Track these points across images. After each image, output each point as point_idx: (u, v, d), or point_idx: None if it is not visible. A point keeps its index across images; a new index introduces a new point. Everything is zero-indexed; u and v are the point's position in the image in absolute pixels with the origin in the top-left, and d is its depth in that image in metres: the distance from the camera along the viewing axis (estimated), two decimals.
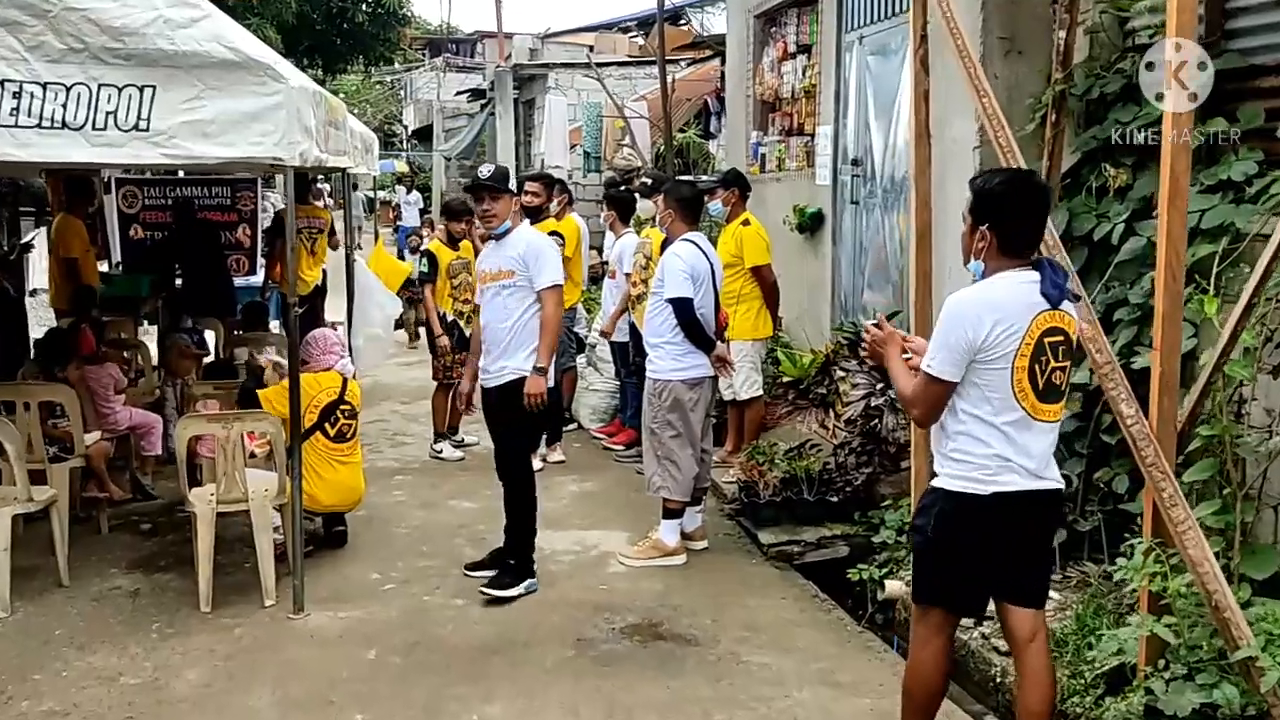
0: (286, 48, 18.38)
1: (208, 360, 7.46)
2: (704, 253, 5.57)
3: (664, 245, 6.91)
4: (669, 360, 5.51)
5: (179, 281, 9.81)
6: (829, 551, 5.78)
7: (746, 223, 6.70)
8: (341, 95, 36.43)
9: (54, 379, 5.80)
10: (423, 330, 9.38)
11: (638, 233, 7.71)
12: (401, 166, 32.08)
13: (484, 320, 5.16)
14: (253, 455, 5.45)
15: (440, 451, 7.64)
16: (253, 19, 17.05)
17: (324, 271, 9.76)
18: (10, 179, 9.22)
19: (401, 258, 20.58)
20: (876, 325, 3.44)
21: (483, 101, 23.59)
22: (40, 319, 9.61)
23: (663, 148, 11.07)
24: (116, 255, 11.11)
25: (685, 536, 5.70)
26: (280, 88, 4.43)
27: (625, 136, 11.37)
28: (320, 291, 9.59)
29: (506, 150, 13.20)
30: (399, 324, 9.04)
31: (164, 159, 4.38)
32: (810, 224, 7.81)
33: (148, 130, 4.32)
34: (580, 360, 8.74)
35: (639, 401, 7.72)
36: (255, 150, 4.43)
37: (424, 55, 41.46)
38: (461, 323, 7.48)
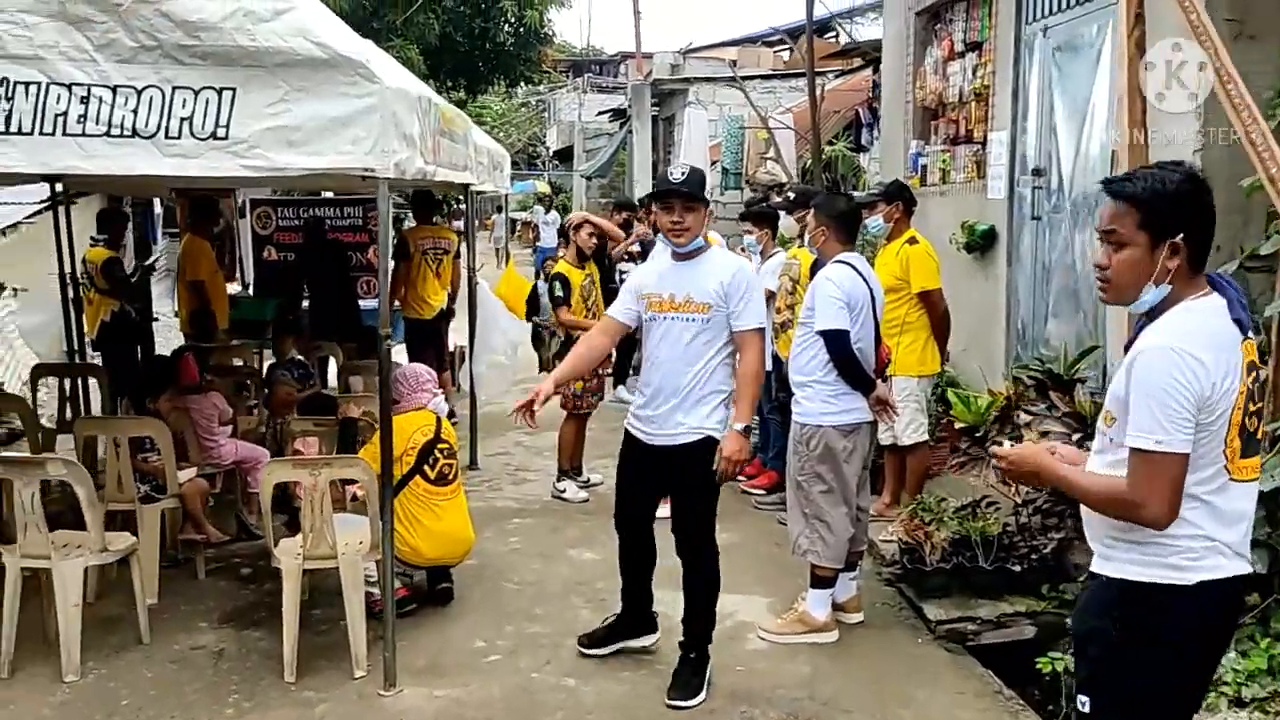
0: (430, 69, 18.33)
1: (311, 391, 7.00)
2: (862, 277, 4.75)
3: (814, 267, 6.15)
4: (819, 402, 4.70)
5: (306, 304, 9.55)
6: (1011, 633, 4.85)
7: (914, 241, 5.83)
8: (487, 117, 36.81)
9: (145, 411, 5.40)
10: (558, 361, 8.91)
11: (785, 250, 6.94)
12: (543, 187, 32.05)
13: (653, 356, 4.22)
14: (354, 499, 4.93)
15: (563, 491, 7.00)
16: (396, 40, 17.03)
17: (449, 295, 9.31)
18: (144, 199, 9.12)
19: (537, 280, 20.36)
20: (1000, 447, 2.67)
21: (622, 121, 23.22)
22: (168, 343, 9.44)
23: (809, 162, 10.25)
24: (250, 277, 11.01)
25: (837, 607, 4.87)
26: (374, 89, 3.86)
27: (769, 150, 10.60)
28: (446, 315, 9.13)
29: (644, 168, 12.64)
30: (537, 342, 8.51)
31: (244, 171, 3.85)
32: (981, 243, 6.87)
33: (226, 139, 3.80)
34: None
35: (783, 441, 6.94)
36: (345, 160, 3.87)
37: (567, 76, 41.62)
38: None
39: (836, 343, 4.61)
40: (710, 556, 4.31)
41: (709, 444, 4.07)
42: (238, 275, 10.93)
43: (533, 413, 4.24)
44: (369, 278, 11.38)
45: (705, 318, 4.11)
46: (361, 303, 10.46)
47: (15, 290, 10.04)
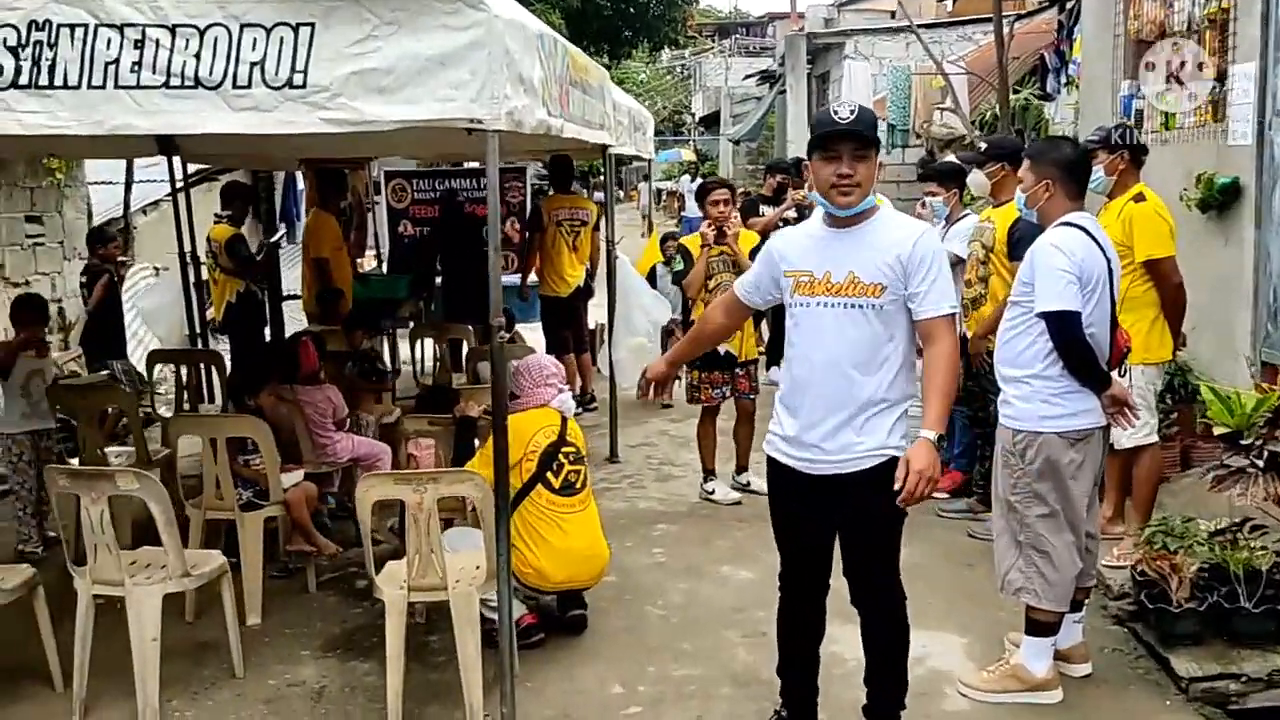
0: (572, 35, 17.72)
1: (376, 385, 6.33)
2: (1098, 243, 3.73)
3: (1013, 231, 5.13)
4: (1038, 403, 3.70)
5: (440, 281, 9.00)
6: None
7: (1140, 198, 4.72)
8: (630, 85, 36.12)
9: (244, 408, 4.83)
10: None
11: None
12: (688, 155, 31.18)
13: (804, 356, 3.19)
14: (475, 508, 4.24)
15: (711, 493, 6.18)
16: (538, 4, 16.44)
17: (587, 271, 8.59)
18: (266, 172, 8.72)
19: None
20: None
21: (771, 82, 22.10)
22: (297, 326, 9.04)
23: (989, 112, 9.06)
24: (384, 253, 10.56)
25: (1059, 656, 3.90)
26: (480, 18, 3.10)
27: (945, 99, 9.38)
28: (584, 292, 8.41)
29: (798, 127, 11.58)
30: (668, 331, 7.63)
31: (325, 125, 3.14)
32: (1220, 199, 5.67)
33: (304, 86, 3.11)
34: None
35: (971, 436, 5.95)
36: (446, 109, 3.14)
37: (712, 40, 40.53)
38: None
39: (1064, 327, 3.61)
40: (898, 601, 3.38)
41: (894, 467, 3.04)
42: (374, 252, 10.48)
43: (659, 388, 3.64)
44: (508, 253, 10.80)
45: (877, 303, 3.10)
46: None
47: (156, 269, 9.86)
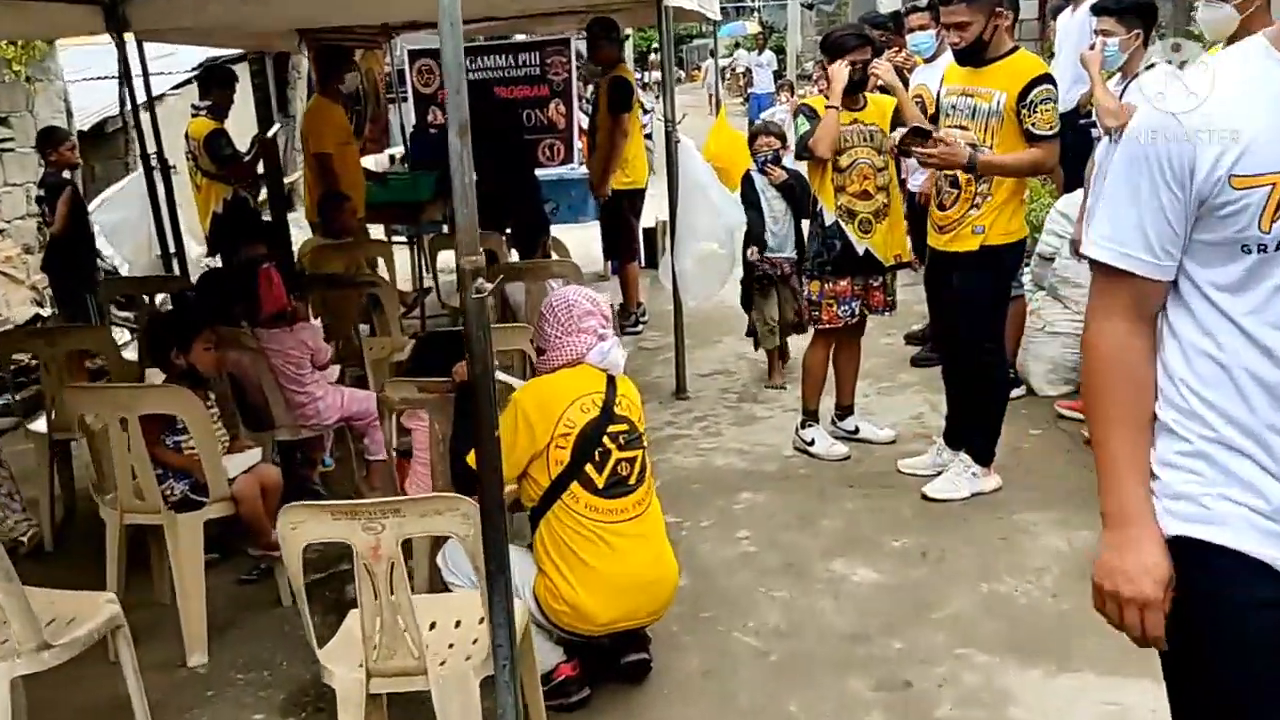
0: None
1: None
2: None
3: None
4: None
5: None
6: None
7: None
8: None
9: (170, 369, 3.52)
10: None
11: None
12: (753, 27, 28.85)
13: None
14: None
15: (811, 444, 4.79)
16: None
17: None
18: (258, 52, 7.31)
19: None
20: None
21: None
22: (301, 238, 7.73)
23: None
24: (409, 148, 9.10)
25: None
26: None
27: None
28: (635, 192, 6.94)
29: None
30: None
31: None
32: None
33: None
34: (1029, 285, 5.51)
35: None
36: None
37: None
38: (849, 229, 4.50)
39: None
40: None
41: None
42: (400, 151, 9.04)
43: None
44: (552, 139, 9.33)
45: None
46: (541, 173, 8.45)
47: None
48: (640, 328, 7.12)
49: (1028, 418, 4.96)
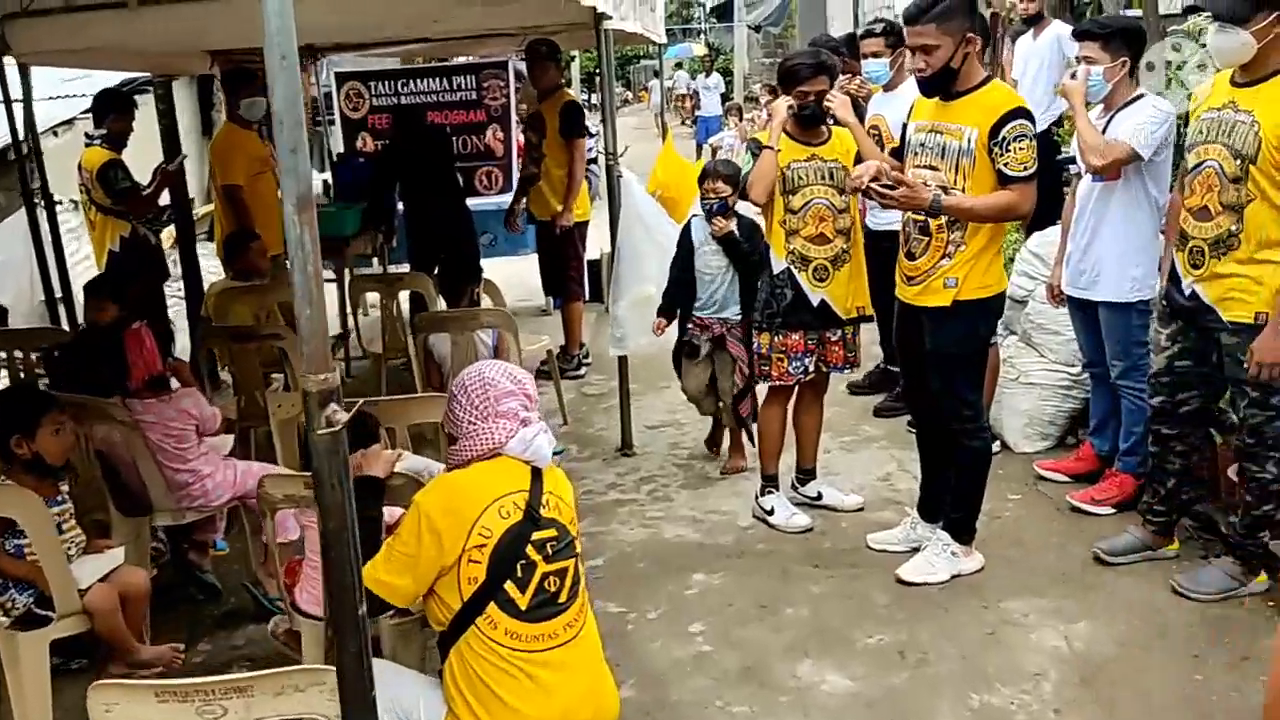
0: None
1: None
2: None
3: None
4: None
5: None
6: None
7: None
8: None
9: (11, 459, 2.95)
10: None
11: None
12: (699, 49, 28.62)
13: None
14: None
15: (770, 512, 4.31)
16: None
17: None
18: (163, 77, 6.70)
19: (699, 157, 17.37)
20: None
21: None
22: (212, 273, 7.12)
23: None
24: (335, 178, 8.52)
25: None
26: None
27: None
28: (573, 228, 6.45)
29: (840, 2, 9.27)
30: None
31: None
32: None
33: None
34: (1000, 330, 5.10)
35: (1140, 411, 4.06)
36: None
37: None
38: (802, 276, 4.06)
39: None
40: None
41: None
42: (324, 178, 8.48)
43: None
44: (490, 167, 8.84)
45: None
46: (477, 202, 7.95)
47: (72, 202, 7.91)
48: (584, 370, 6.62)
49: (1005, 478, 4.52)
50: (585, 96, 31.45)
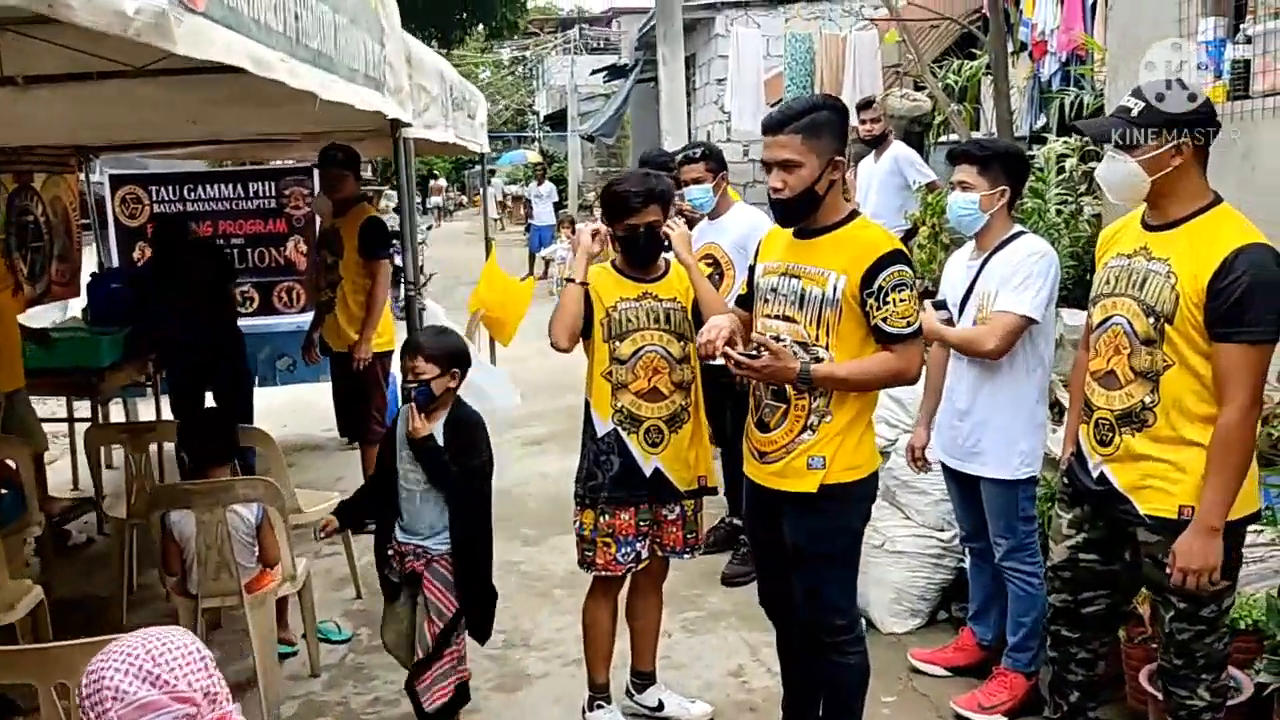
0: (402, 10, 14.74)
1: None
2: None
3: (1228, 270, 2.65)
4: None
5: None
6: None
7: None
8: (473, 84, 33.07)
9: None
10: None
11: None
12: (533, 156, 28.36)
13: None
14: None
15: None
16: None
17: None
18: None
19: (531, 268, 16.74)
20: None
21: (624, 75, 19.59)
22: None
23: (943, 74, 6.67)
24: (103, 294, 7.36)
25: None
26: None
27: (907, 54, 6.72)
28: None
29: (674, 114, 8.95)
30: None
31: None
32: None
33: None
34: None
35: (1030, 599, 3.46)
36: None
37: (555, 35, 37.83)
38: (631, 440, 3.31)
39: None
40: None
41: None
42: (80, 290, 7.29)
43: None
44: (291, 282, 7.86)
45: None
46: (273, 321, 7.00)
47: None
48: None
49: (876, 672, 3.73)
50: (419, 200, 30.79)
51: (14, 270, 5.93)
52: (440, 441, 3.26)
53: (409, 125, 4.09)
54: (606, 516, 3.32)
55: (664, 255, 3.46)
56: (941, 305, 3.60)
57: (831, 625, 2.91)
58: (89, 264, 7.78)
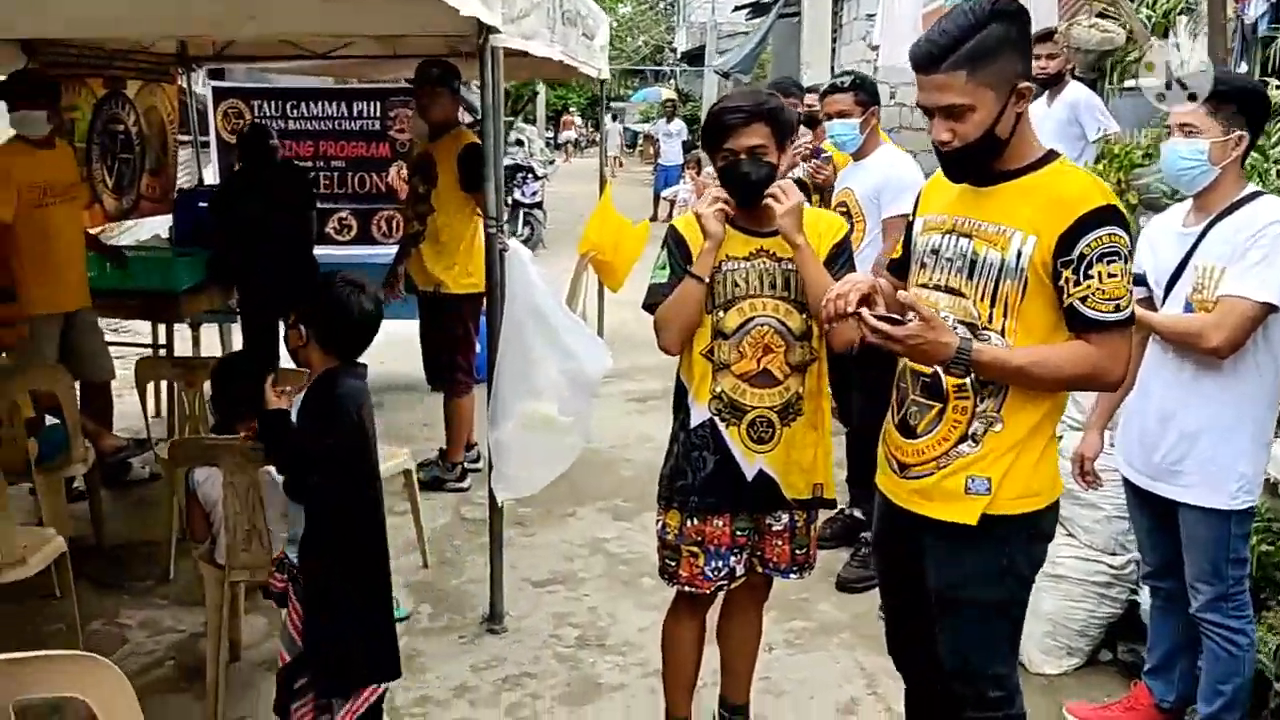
0: None
1: None
2: None
3: None
4: None
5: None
6: None
7: None
8: (613, 22, 32.33)
9: None
10: None
11: None
12: (668, 92, 27.48)
13: None
14: None
15: None
16: None
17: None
18: None
19: (656, 209, 16.04)
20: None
21: (764, 11, 18.55)
22: None
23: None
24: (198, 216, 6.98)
25: None
26: None
27: None
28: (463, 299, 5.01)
29: (816, 46, 8.06)
30: None
31: None
32: None
33: None
34: None
35: (1235, 660, 2.68)
36: None
37: None
38: (730, 434, 2.61)
39: None
40: None
41: None
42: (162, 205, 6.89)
43: None
44: (391, 211, 7.36)
45: None
46: (372, 252, 6.55)
47: None
48: (468, 482, 5.14)
49: None
50: (550, 134, 30.28)
51: (90, 181, 5.54)
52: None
53: (498, 32, 3.44)
54: (695, 520, 2.66)
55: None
56: (1140, 281, 2.80)
57: (983, 697, 2.21)
58: (188, 180, 7.46)
